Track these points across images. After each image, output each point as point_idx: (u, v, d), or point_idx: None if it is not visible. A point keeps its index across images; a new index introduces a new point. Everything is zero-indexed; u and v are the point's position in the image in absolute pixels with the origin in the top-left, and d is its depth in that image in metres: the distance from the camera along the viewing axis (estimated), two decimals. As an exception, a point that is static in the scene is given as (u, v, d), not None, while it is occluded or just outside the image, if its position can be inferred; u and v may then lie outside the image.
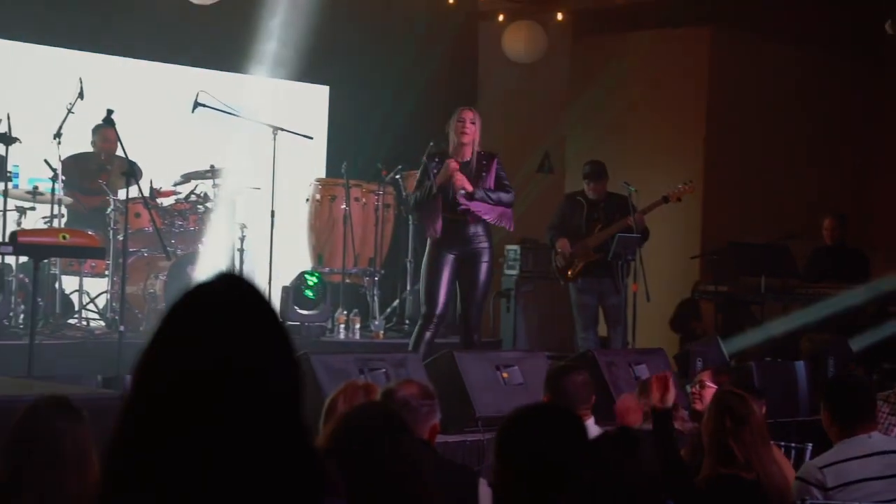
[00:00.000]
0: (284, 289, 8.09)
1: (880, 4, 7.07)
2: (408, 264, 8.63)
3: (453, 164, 6.40)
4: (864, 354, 7.81)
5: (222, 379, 1.53)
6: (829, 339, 7.35)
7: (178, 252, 7.53)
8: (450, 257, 6.60)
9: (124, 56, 8.63)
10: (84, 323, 7.38)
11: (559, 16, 10.21)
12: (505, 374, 6.02)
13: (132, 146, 6.88)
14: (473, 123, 6.52)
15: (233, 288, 1.61)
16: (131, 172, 6.77)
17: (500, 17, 10.22)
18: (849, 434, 3.87)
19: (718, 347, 7.02)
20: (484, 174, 6.59)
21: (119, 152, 7.17)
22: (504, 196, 6.65)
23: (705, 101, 10.47)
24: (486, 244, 6.66)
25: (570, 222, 8.13)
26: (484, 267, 6.64)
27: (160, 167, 8.62)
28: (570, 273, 8.01)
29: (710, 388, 4.80)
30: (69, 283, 7.50)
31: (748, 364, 6.79)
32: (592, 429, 4.15)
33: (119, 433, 1.55)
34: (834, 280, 8.84)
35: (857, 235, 9.86)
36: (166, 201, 7.80)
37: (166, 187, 7.90)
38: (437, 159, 6.60)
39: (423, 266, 6.72)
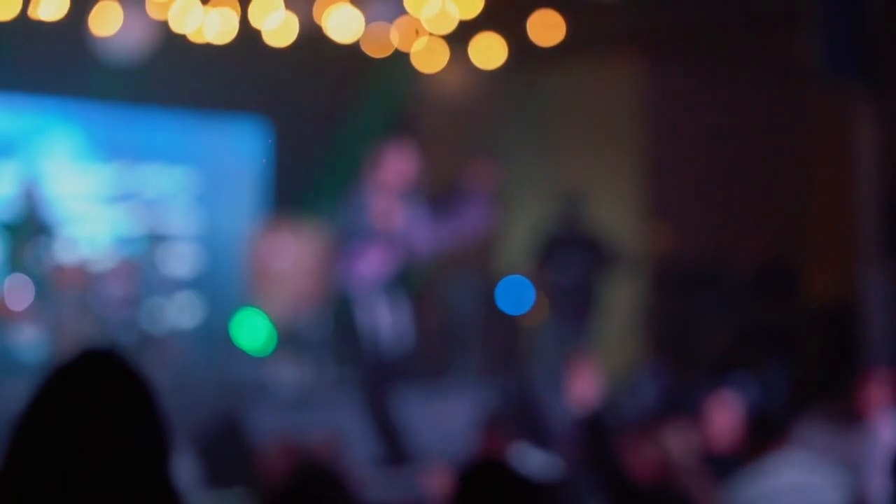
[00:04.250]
0: (218, 339, 8.01)
1: (796, 30, 7.25)
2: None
3: None
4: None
5: (86, 456, 1.60)
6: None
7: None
8: None
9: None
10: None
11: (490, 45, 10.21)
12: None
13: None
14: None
15: (95, 367, 1.68)
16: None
17: (429, 49, 10.20)
18: None
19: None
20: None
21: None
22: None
23: (641, 127, 10.55)
24: None
25: None
26: None
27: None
28: None
29: None
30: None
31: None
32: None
33: None
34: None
35: (795, 254, 9.99)
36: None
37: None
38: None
39: None
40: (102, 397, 1.65)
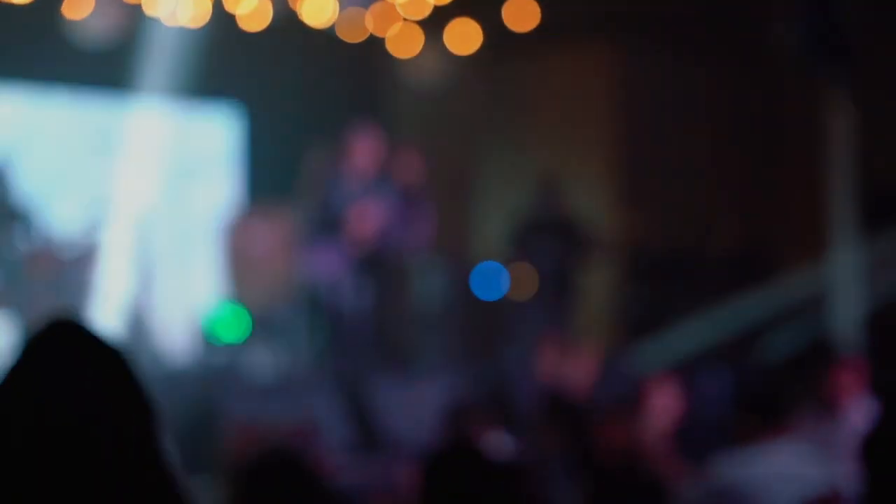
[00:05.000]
0: (195, 325, 7.98)
1: (769, 17, 7.28)
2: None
3: None
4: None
5: (66, 429, 1.55)
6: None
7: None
8: None
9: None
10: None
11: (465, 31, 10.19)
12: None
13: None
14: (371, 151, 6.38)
15: (65, 336, 1.64)
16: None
17: (403, 34, 10.17)
18: None
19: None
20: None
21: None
22: None
23: (615, 113, 10.56)
24: None
25: None
26: None
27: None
28: None
29: None
30: None
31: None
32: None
33: None
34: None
35: (768, 241, 10.05)
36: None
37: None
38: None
39: None
40: (76, 365, 1.61)
